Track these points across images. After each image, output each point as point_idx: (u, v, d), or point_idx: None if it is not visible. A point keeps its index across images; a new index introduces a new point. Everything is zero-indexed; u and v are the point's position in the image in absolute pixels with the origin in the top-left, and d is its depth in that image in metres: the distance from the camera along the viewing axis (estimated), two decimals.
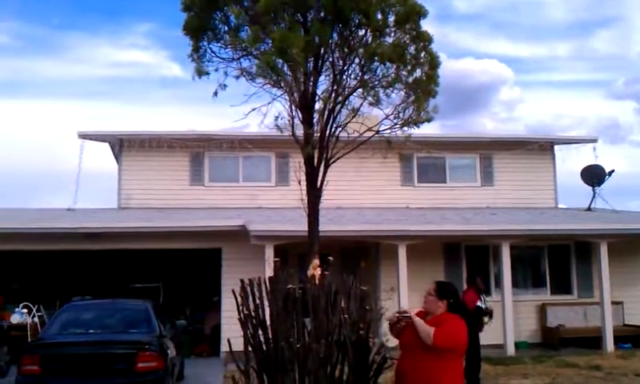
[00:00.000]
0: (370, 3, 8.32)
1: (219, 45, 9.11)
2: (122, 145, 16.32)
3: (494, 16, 54.52)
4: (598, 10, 51.10)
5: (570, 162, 18.34)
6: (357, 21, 8.65)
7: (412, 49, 8.89)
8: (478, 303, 9.90)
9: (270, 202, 15.83)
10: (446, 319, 4.42)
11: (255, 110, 8.84)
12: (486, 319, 10.14)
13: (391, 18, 8.74)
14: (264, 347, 4.66)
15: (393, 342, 4.74)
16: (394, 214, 15.05)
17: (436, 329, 4.27)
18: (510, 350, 13.19)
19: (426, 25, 8.89)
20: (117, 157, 16.85)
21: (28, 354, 8.26)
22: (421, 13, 8.69)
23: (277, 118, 8.92)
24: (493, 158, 17.49)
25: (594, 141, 18.27)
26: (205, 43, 9.09)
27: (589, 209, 16.98)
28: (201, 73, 8.82)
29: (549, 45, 51.94)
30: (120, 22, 51.82)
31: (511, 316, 13.52)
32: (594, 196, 17.15)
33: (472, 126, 59.96)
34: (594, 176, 17.18)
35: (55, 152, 36.54)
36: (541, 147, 17.49)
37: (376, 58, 8.59)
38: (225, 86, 8.96)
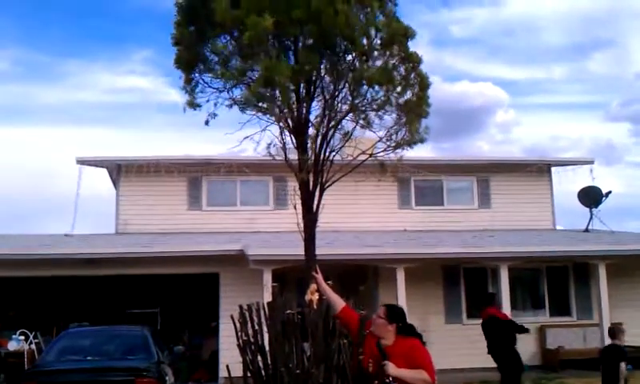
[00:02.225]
0: (354, 29, 8.37)
1: (210, 76, 9.20)
2: (120, 170, 16.34)
3: (489, 40, 55.02)
4: (593, 33, 51.54)
5: (567, 183, 18.37)
6: (343, 46, 8.73)
7: (402, 70, 8.95)
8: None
9: (268, 226, 15.80)
10: (412, 347, 4.34)
11: (249, 137, 8.91)
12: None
13: (378, 42, 8.80)
14: (263, 373, 4.64)
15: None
16: (391, 237, 15.03)
17: (424, 368, 4.20)
18: None
19: (420, 49, 8.99)
20: (115, 182, 16.86)
21: (25, 381, 8.21)
22: (407, 34, 8.73)
23: (269, 145, 8.99)
24: (490, 180, 17.53)
25: (591, 162, 18.31)
26: (197, 75, 9.19)
27: (586, 230, 16.99)
28: (192, 105, 8.93)
29: (544, 67, 52.31)
30: (119, 48, 52.18)
31: None
32: (591, 217, 17.16)
33: (468, 149, 60.07)
34: (591, 197, 17.19)
35: (53, 178, 36.51)
36: (538, 169, 17.53)
37: (364, 82, 8.66)
38: (215, 115, 9.10)
